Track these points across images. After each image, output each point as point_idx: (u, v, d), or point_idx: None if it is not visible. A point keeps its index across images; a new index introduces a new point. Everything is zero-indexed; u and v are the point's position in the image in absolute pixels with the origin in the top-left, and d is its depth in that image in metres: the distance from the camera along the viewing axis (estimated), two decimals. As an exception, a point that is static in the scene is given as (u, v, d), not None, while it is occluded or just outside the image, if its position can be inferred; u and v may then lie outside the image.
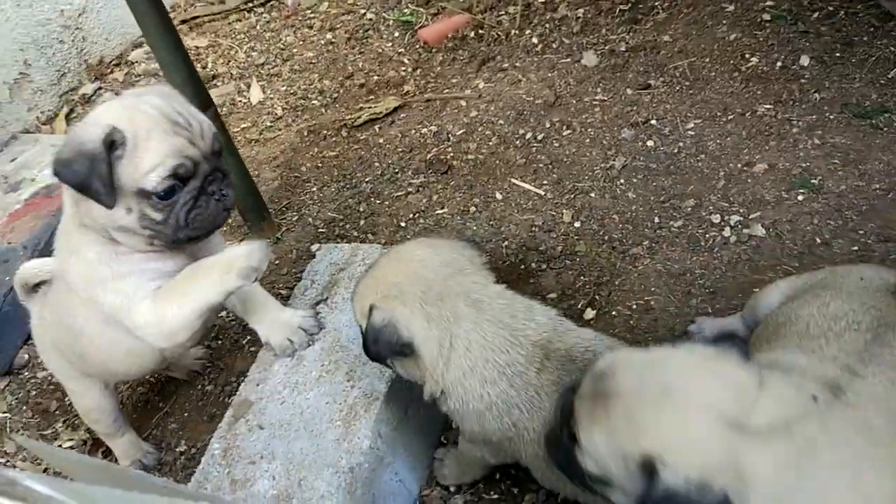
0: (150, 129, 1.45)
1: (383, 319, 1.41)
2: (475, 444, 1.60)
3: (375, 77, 3.48)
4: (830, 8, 2.91)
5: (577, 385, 1.24)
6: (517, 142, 2.79)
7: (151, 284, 1.57)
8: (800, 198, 2.21)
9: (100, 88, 4.00)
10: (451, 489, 1.82)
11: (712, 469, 1.03)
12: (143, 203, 1.48)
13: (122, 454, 2.11)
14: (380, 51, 3.66)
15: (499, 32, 3.47)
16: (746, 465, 1.03)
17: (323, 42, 3.91)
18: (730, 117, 2.58)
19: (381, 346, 1.43)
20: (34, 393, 2.55)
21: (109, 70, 4.10)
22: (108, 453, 2.26)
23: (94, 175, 1.40)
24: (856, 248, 2.01)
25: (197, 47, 4.11)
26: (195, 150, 1.50)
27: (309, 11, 4.26)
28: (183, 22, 4.41)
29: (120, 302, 1.56)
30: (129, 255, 1.58)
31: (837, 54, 2.69)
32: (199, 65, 3.91)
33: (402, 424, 1.79)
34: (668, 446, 1.05)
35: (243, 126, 3.43)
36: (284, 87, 3.58)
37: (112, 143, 1.42)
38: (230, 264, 1.53)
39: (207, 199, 1.54)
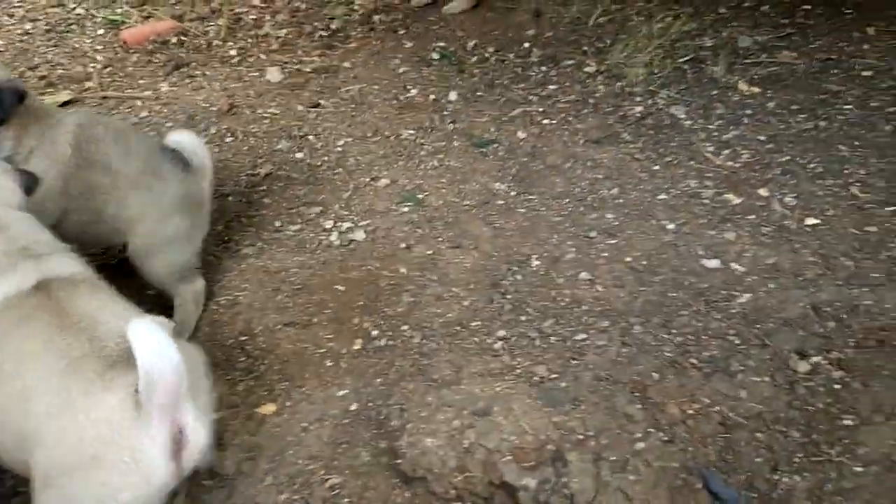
0: None
1: None
2: None
3: (60, 71, 3.49)
4: (486, 54, 3.47)
5: None
6: (178, 145, 2.95)
7: None
8: (405, 209, 2.59)
9: None
10: None
11: None
12: None
13: None
14: (76, 46, 3.68)
15: (202, 41, 3.66)
16: None
17: (19, 32, 3.85)
18: (377, 139, 2.96)
19: None
20: None
21: None
22: None
23: None
24: (430, 251, 2.41)
25: None
26: None
27: (16, 1, 4.18)
28: None
29: None
30: None
31: (480, 93, 3.21)
32: None
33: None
34: None
35: None
36: (-50, 71, 3.45)
37: None
38: None
39: None
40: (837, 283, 2.25)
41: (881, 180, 2.67)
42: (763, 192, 2.63)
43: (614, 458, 1.76)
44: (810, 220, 2.49)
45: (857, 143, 2.87)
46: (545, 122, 3.06)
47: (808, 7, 3.84)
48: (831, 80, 3.25)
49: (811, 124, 2.97)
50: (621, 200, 2.64)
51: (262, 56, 3.54)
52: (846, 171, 2.71)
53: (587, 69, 3.38)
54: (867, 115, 3.03)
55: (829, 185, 2.65)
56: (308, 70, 3.39)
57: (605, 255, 2.41)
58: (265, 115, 3.12)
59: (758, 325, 2.12)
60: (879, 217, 2.51)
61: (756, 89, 3.19)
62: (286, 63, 3.47)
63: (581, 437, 1.81)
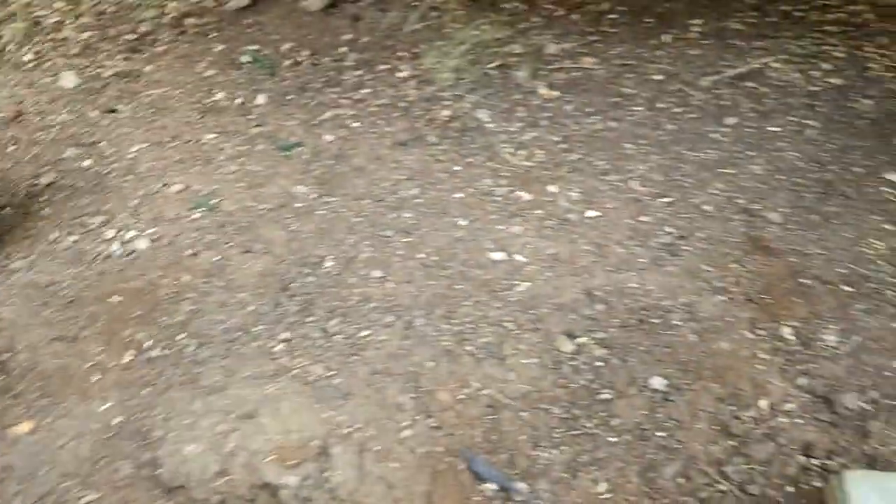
0: None
1: None
2: None
3: None
4: (300, 58, 3.49)
5: None
6: (-50, 155, 2.75)
7: None
8: (196, 215, 2.55)
9: None
10: None
11: None
12: None
13: None
14: None
15: (-8, 46, 3.43)
16: None
17: None
18: (175, 144, 2.89)
19: None
20: None
21: None
22: None
23: None
24: (218, 258, 2.38)
25: None
26: None
27: None
28: None
29: None
30: None
31: (290, 97, 3.22)
32: None
33: None
34: None
35: None
36: None
37: None
38: None
39: None
40: (609, 269, 2.45)
41: (660, 174, 2.94)
42: (552, 188, 2.81)
43: (379, 447, 1.82)
44: (591, 213, 2.70)
45: (641, 141, 3.13)
46: (354, 125, 3.11)
47: (614, 17, 4.15)
48: (625, 84, 3.53)
49: (602, 125, 3.21)
50: (420, 200, 2.73)
51: (60, 61, 3.37)
52: (629, 168, 2.96)
53: (400, 74, 3.48)
54: (654, 115, 3.32)
55: (612, 180, 2.88)
56: (107, 75, 3.26)
57: (400, 252, 2.49)
58: (54, 122, 2.97)
59: (532, 311, 2.27)
60: (653, 208, 2.75)
61: (556, 93, 3.41)
62: (85, 68, 3.32)
63: (348, 430, 1.85)
